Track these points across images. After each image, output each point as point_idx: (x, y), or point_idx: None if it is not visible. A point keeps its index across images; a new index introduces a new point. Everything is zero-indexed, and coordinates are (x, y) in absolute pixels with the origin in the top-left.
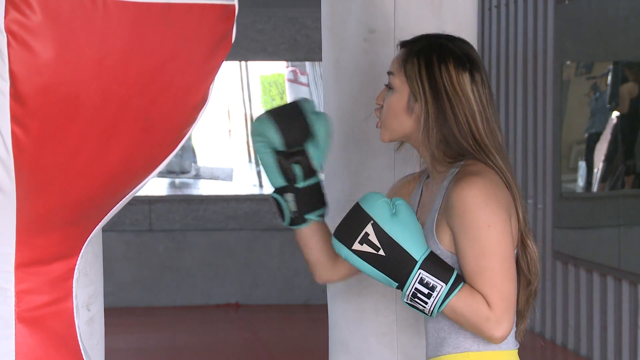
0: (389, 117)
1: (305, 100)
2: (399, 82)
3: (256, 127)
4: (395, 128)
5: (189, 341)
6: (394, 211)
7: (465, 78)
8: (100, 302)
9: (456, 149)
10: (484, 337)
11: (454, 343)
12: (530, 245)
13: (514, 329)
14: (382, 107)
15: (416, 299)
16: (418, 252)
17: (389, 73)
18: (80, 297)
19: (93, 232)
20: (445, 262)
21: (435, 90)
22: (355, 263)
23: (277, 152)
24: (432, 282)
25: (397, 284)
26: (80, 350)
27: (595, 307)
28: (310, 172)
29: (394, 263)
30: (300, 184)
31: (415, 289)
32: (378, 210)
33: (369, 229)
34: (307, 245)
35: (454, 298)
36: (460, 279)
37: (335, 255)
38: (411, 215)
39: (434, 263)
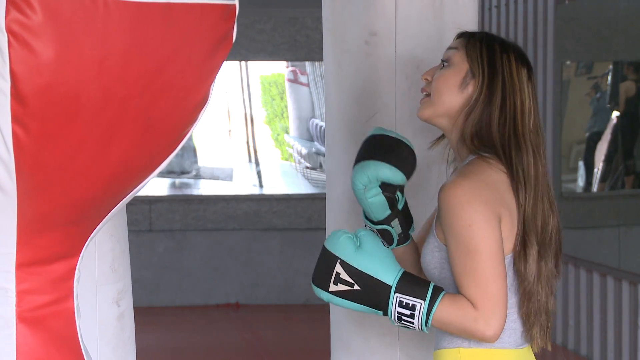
0: (439, 89)
1: (379, 129)
2: (459, 58)
3: (372, 173)
4: (443, 101)
5: (189, 341)
6: (358, 244)
7: (524, 73)
8: (129, 297)
9: (485, 136)
10: (478, 339)
11: (449, 338)
12: (529, 252)
13: (517, 329)
14: (429, 82)
15: (403, 322)
16: (390, 278)
17: (450, 48)
18: (109, 293)
19: (94, 232)
20: (420, 279)
21: (493, 73)
22: (338, 303)
23: (384, 187)
24: (411, 302)
25: (382, 311)
26: (81, 350)
27: (595, 307)
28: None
29: (371, 294)
30: (400, 206)
31: (398, 312)
32: (342, 248)
33: (338, 268)
34: (407, 260)
35: (437, 311)
36: (439, 290)
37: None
38: (375, 243)
39: (408, 283)
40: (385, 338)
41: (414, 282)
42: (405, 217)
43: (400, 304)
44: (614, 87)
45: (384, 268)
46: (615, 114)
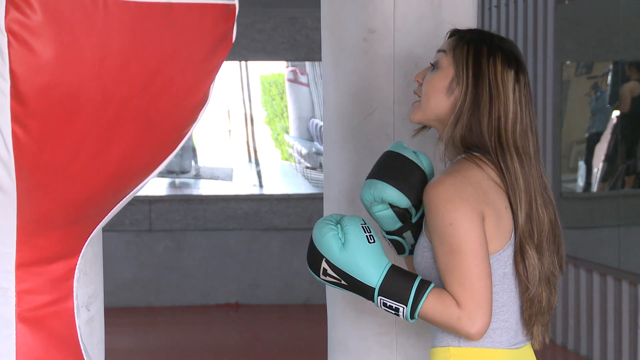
0: (428, 93)
1: (398, 145)
2: (447, 62)
3: (378, 194)
4: (430, 107)
5: (189, 341)
6: (342, 241)
7: (510, 76)
8: (100, 301)
9: (475, 141)
10: (462, 336)
11: (440, 337)
12: (529, 252)
13: (510, 328)
14: (421, 85)
15: (391, 313)
16: (373, 280)
17: (440, 51)
18: (80, 297)
19: (94, 232)
20: (406, 276)
21: (478, 79)
22: (330, 287)
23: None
24: (394, 305)
25: (371, 300)
26: (80, 350)
27: (595, 307)
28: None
29: (357, 290)
30: (415, 219)
31: (385, 308)
32: (327, 247)
33: (325, 264)
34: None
35: (422, 309)
36: (425, 286)
37: None
38: (359, 238)
39: (391, 286)
40: (382, 338)
41: (398, 285)
42: (419, 229)
43: (385, 305)
44: (614, 87)
45: (368, 269)
46: (615, 113)
